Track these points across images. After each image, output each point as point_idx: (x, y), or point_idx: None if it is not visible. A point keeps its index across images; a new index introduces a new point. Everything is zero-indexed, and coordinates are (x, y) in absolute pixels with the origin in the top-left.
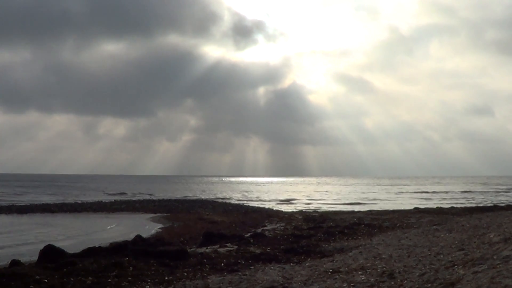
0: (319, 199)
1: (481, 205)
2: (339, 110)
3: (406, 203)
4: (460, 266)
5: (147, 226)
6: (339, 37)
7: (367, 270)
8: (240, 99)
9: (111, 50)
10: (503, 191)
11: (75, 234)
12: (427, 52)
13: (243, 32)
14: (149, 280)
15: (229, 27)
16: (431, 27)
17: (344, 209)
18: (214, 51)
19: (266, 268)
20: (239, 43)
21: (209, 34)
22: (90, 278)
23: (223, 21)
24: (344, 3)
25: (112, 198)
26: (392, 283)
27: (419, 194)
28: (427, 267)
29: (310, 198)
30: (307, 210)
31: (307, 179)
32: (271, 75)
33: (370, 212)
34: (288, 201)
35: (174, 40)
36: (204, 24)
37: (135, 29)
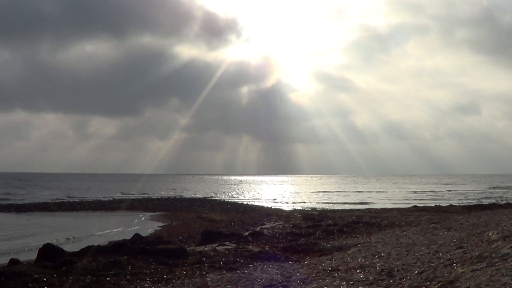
0: (317, 197)
1: (478, 202)
2: (326, 108)
3: (404, 201)
4: (459, 264)
5: (146, 225)
6: (313, 36)
7: (365, 268)
8: (227, 98)
9: (88, 50)
10: (495, 189)
11: (73, 233)
12: (405, 51)
13: (219, 31)
14: (148, 279)
15: (206, 26)
16: (402, 26)
17: (343, 208)
18: (192, 50)
19: (265, 266)
20: (217, 42)
21: (185, 34)
22: (89, 276)
23: (201, 21)
24: (311, 3)
25: (111, 197)
26: (391, 281)
27: (414, 192)
28: (426, 265)
29: (307, 196)
30: (305, 209)
31: (300, 177)
32: (254, 74)
33: (368, 210)
34: (286, 200)
35: (150, 39)
36: (181, 23)
37: (111, 29)
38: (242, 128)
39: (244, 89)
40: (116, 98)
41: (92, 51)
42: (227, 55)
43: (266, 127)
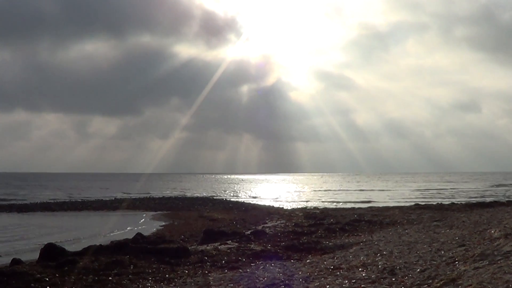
0: (319, 196)
1: (481, 200)
2: (327, 107)
3: (405, 199)
4: (461, 262)
5: (148, 224)
6: (313, 34)
7: (368, 267)
8: (227, 97)
9: (88, 50)
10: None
11: (75, 233)
12: (404, 49)
13: (218, 30)
14: (150, 278)
15: (205, 25)
16: (401, 24)
17: (345, 206)
18: (192, 49)
19: (267, 265)
20: (216, 41)
21: (184, 33)
22: (91, 276)
23: (200, 20)
24: (310, 1)
25: (112, 196)
26: (393, 279)
27: (416, 190)
28: (428, 263)
29: (309, 194)
30: (307, 207)
31: (301, 176)
32: (254, 73)
33: (370, 208)
34: (288, 198)
35: (149, 39)
36: (180, 22)
37: (110, 29)
38: (242, 127)
39: (244, 88)
40: (116, 98)
41: (91, 51)
42: (227, 54)
43: (267, 125)
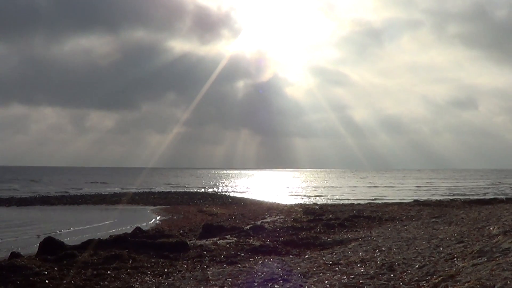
0: (318, 192)
1: (480, 197)
2: (324, 103)
3: (404, 195)
4: (460, 259)
5: (147, 218)
6: (307, 30)
7: (366, 263)
8: (223, 93)
9: (83, 44)
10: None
11: (74, 226)
12: (399, 46)
13: (212, 26)
14: (149, 272)
15: (199, 20)
16: (394, 20)
17: (344, 202)
18: (186, 45)
19: (266, 260)
20: (209, 37)
21: (178, 28)
22: (90, 270)
23: (194, 15)
24: None
25: (112, 191)
26: (392, 275)
27: (415, 186)
28: (427, 259)
29: (307, 190)
30: (306, 203)
31: (299, 171)
32: (249, 69)
33: (369, 204)
34: (286, 194)
35: (143, 34)
36: (174, 18)
37: (105, 24)
38: (240, 122)
39: (241, 84)
40: (112, 92)
41: (86, 45)
42: (221, 50)
43: (264, 121)
